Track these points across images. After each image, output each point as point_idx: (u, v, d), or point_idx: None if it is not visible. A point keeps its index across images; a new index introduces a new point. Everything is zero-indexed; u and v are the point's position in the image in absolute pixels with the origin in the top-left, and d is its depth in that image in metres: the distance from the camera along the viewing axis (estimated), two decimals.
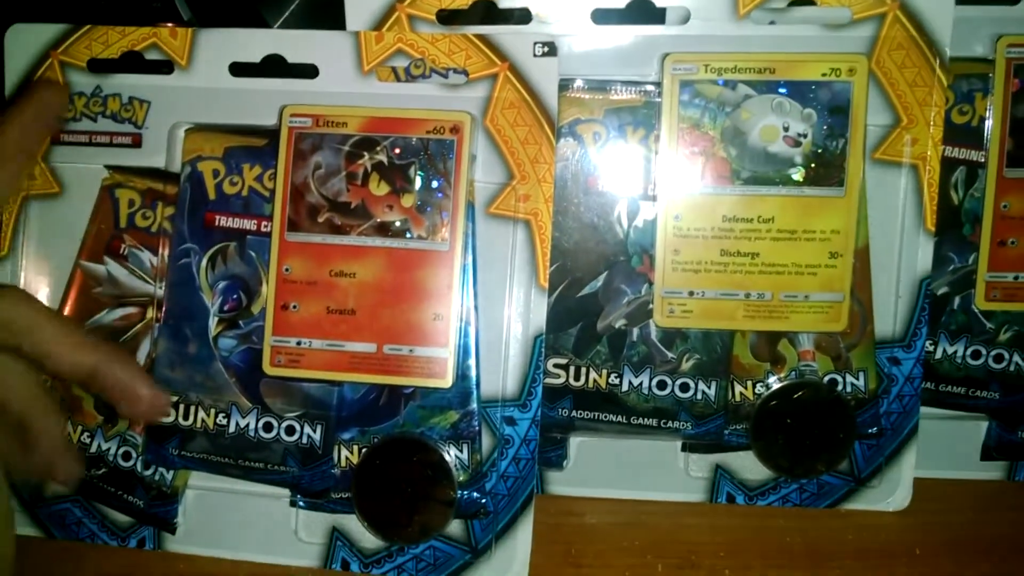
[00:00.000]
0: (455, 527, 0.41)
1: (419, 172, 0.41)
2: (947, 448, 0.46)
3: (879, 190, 0.42)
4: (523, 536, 0.41)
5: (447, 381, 0.41)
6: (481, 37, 0.41)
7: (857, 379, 0.43)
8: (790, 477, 0.44)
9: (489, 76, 0.41)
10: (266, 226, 0.42)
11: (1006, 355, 0.44)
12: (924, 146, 0.41)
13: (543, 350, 0.41)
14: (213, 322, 0.42)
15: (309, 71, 0.42)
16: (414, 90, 0.42)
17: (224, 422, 0.42)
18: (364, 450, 0.41)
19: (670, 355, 0.43)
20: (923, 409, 0.44)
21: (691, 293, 0.42)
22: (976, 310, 0.44)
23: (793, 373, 0.43)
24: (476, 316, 0.41)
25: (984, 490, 0.46)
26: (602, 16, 0.42)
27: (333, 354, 0.41)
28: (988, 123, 0.43)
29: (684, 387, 0.43)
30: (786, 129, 0.41)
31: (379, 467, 0.41)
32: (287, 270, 0.42)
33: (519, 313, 0.41)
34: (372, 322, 0.41)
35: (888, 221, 0.42)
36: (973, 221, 0.44)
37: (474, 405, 0.41)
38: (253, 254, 0.42)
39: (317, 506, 0.42)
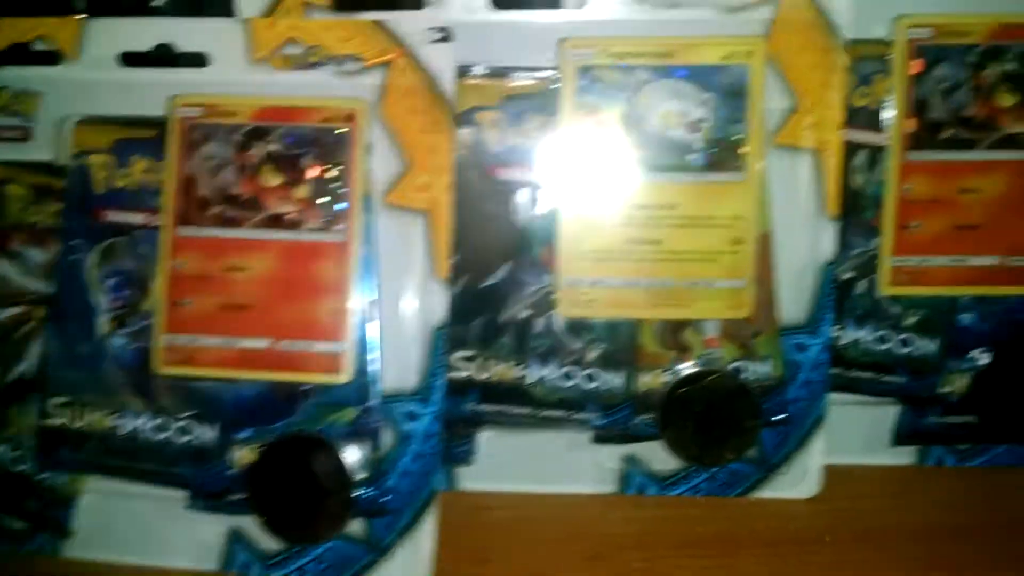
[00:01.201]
0: (356, 526, 0.40)
1: (313, 162, 0.40)
2: (858, 433, 0.45)
3: (780, 175, 0.41)
4: (426, 534, 0.39)
5: (345, 376, 0.39)
6: (375, 23, 0.40)
7: (763, 366, 0.42)
8: (700, 466, 0.43)
9: (384, 63, 0.40)
10: (156, 220, 0.40)
11: (911, 339, 0.44)
12: (824, 130, 0.40)
13: (444, 343, 0.40)
14: (103, 320, 0.40)
15: (199, 60, 0.40)
16: (308, 78, 0.40)
17: (117, 424, 0.40)
18: (260, 449, 0.40)
19: (575, 345, 0.42)
20: (834, 395, 0.43)
21: (594, 282, 0.41)
22: (881, 294, 0.43)
23: (699, 361, 0.42)
24: (375, 309, 0.40)
25: (895, 475, 0.45)
26: (500, 0, 0.41)
27: (227, 351, 0.40)
28: (889, 105, 0.42)
29: (590, 377, 0.42)
30: (685, 115, 0.40)
31: (275, 467, 0.39)
32: (178, 265, 0.40)
33: (419, 305, 0.40)
34: (267, 317, 0.40)
35: (790, 206, 0.41)
36: (876, 205, 0.43)
37: (373, 401, 0.40)
38: (143, 249, 0.40)
39: (214, 508, 0.40)
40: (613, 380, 0.42)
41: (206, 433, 0.40)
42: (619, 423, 0.42)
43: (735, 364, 0.42)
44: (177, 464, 0.40)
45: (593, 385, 0.42)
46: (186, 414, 0.40)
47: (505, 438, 0.43)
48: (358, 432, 0.39)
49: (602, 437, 0.43)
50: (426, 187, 0.39)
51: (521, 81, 0.41)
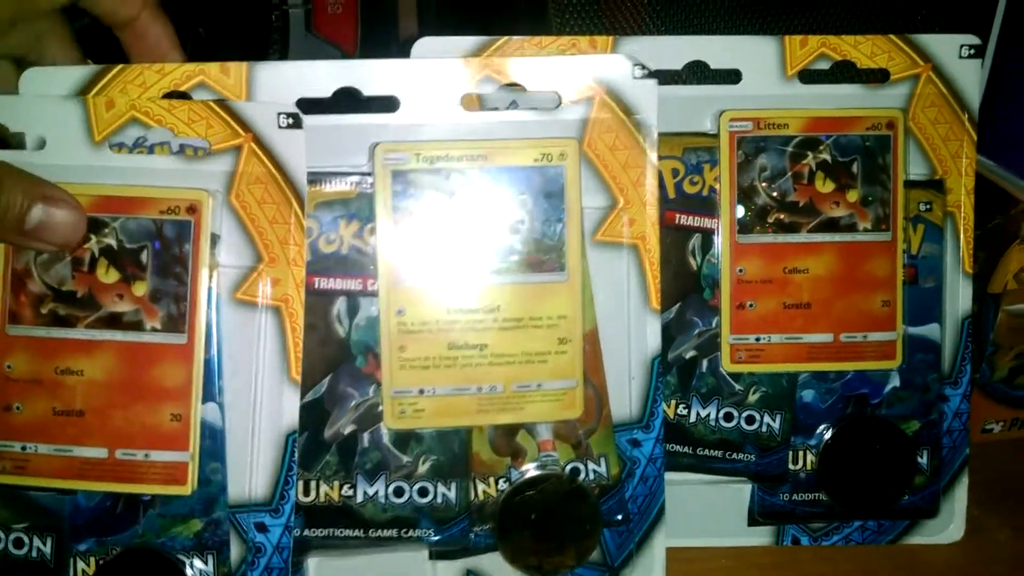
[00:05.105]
0: None
1: (152, 257, 0.43)
2: (712, 514, 0.51)
3: (603, 272, 0.46)
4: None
5: (187, 487, 0.43)
6: (223, 105, 0.43)
7: (599, 465, 0.46)
8: (541, 575, 0.46)
9: (232, 148, 0.43)
10: None
11: (757, 416, 0.50)
12: (642, 226, 0.46)
13: (296, 449, 0.43)
14: None
15: (36, 143, 0.43)
16: (150, 163, 0.43)
17: None
18: (103, 561, 0.43)
19: (405, 459, 0.46)
20: (685, 475, 0.50)
21: (421, 391, 0.45)
22: (724, 372, 0.50)
23: (534, 465, 0.47)
24: (221, 414, 0.43)
25: (750, 557, 0.52)
26: (307, 105, 0.44)
27: (62, 460, 0.42)
28: (718, 193, 0.49)
29: (423, 491, 0.46)
30: (503, 217, 0.45)
31: None
32: (9, 367, 0.42)
33: (269, 409, 0.43)
34: (103, 424, 0.42)
35: (614, 302, 0.46)
36: (712, 286, 0.49)
37: (220, 512, 0.43)
38: None
39: None
40: (447, 492, 0.46)
41: (44, 545, 0.43)
42: (456, 537, 0.46)
43: (571, 465, 0.46)
44: None
45: (426, 500, 0.46)
46: (20, 526, 0.43)
47: (335, 563, 0.47)
48: (203, 545, 0.43)
49: (439, 553, 0.46)
50: (278, 281, 0.43)
51: (334, 186, 0.45)
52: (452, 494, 0.47)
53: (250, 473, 0.44)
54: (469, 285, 0.46)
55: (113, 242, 0.43)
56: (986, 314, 0.58)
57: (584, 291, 0.46)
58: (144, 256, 0.43)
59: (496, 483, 0.47)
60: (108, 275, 0.43)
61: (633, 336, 0.47)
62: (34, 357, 0.43)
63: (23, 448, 0.43)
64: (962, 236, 0.51)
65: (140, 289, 0.43)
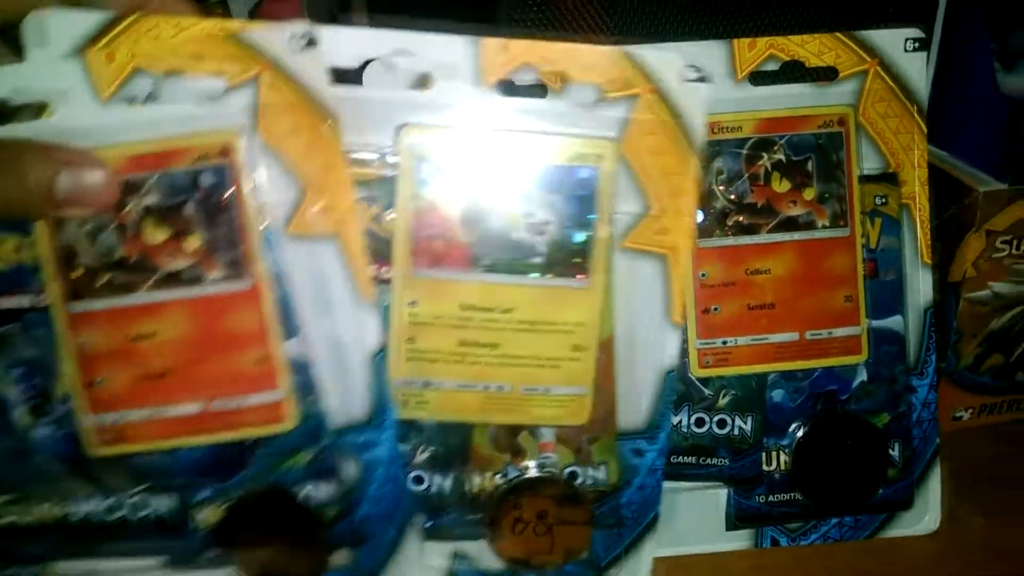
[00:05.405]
0: (342, 557, 0.45)
1: (197, 208, 0.42)
2: (690, 521, 0.52)
3: (627, 279, 0.45)
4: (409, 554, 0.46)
5: (288, 423, 0.43)
6: (229, 36, 0.41)
7: (598, 472, 0.47)
8: (525, 570, 0.48)
9: (250, 80, 0.42)
10: (43, 299, 0.41)
11: (728, 420, 0.51)
12: (675, 236, 0.45)
13: (385, 366, 0.44)
14: (20, 413, 0.43)
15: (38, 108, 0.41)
16: (168, 112, 0.42)
17: (68, 511, 0.44)
18: (225, 506, 0.44)
19: (404, 448, 0.46)
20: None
21: (427, 384, 0.45)
22: (693, 378, 0.51)
23: (533, 464, 0.47)
24: (306, 348, 0.43)
25: (729, 562, 0.53)
26: (336, 77, 0.42)
27: (158, 422, 0.43)
28: None
29: (418, 480, 0.46)
30: (529, 216, 0.44)
31: (243, 523, 0.45)
32: (83, 343, 0.41)
33: (351, 334, 0.43)
34: (189, 381, 0.42)
35: (635, 311, 0.45)
36: None
37: (326, 440, 0.44)
38: (39, 332, 0.42)
39: (192, 569, 0.45)
40: (442, 483, 0.46)
41: (163, 503, 0.45)
42: (446, 527, 0.47)
43: (569, 469, 0.47)
44: (142, 537, 0.45)
45: (420, 488, 0.46)
46: (137, 489, 0.44)
47: None
48: (317, 472, 0.44)
49: (428, 535, 0.47)
50: (329, 210, 0.43)
51: (354, 167, 0.43)
52: (447, 484, 0.47)
53: (347, 397, 0.44)
54: (486, 283, 0.45)
55: (153, 201, 0.42)
56: (947, 303, 0.60)
57: (605, 299, 0.45)
58: (188, 209, 0.42)
59: (492, 477, 0.47)
60: (157, 235, 0.42)
61: (651, 347, 0.47)
62: (103, 329, 0.43)
63: (116, 419, 0.43)
64: (919, 227, 0.51)
65: (193, 243, 0.42)
